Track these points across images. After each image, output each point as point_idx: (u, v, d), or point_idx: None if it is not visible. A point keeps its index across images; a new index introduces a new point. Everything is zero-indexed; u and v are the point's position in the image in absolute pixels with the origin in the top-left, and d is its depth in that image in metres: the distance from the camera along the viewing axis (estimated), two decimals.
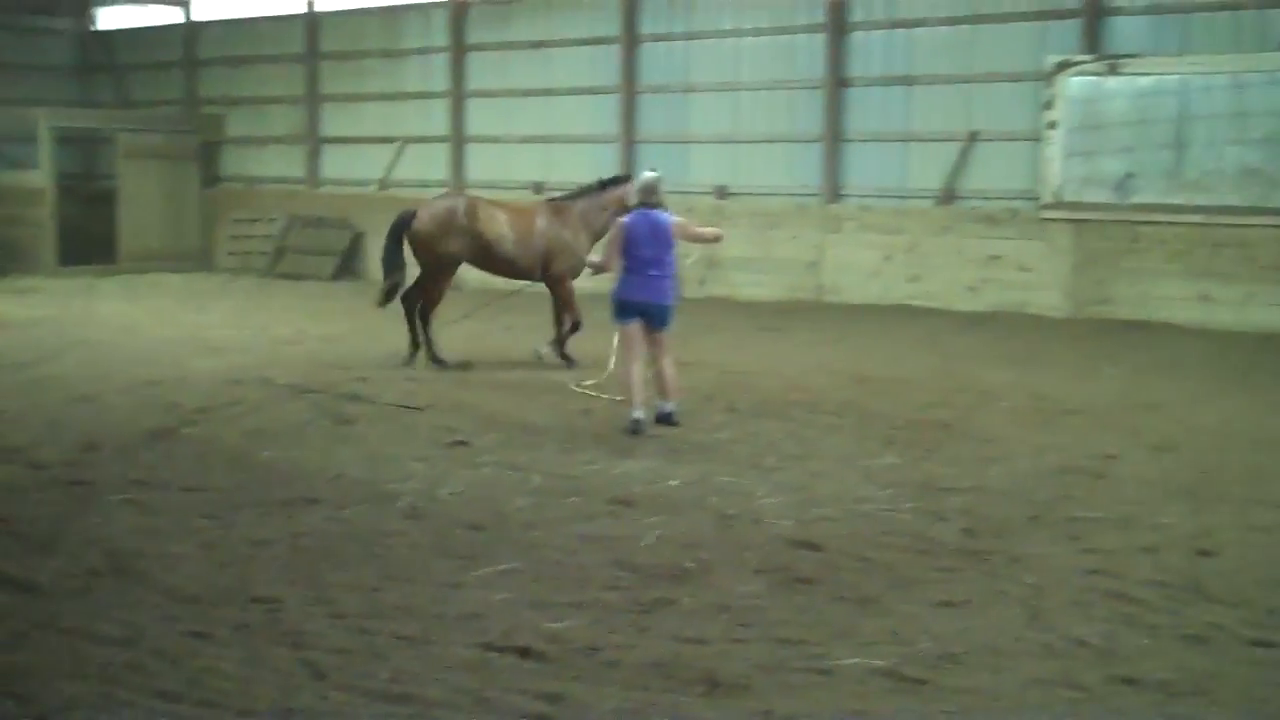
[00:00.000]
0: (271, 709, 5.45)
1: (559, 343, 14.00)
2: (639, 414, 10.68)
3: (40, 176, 25.22)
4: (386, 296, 14.38)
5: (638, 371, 10.85)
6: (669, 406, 10.96)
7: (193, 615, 6.55)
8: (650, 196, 10.91)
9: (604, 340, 12.55)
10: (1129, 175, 17.11)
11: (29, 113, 25.74)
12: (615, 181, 14.17)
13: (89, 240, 25.43)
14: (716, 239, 12.13)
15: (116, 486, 8.97)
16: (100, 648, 6.12)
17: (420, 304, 14.20)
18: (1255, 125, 16.85)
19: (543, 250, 13.94)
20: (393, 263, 14.22)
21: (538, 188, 22.61)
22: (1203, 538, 7.83)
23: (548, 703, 5.50)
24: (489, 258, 14.06)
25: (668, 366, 10.97)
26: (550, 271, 14.03)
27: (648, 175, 11.14)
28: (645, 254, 10.74)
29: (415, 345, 14.14)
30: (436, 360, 13.98)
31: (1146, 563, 7.36)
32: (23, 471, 9.46)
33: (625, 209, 13.29)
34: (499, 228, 13.94)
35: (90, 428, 10.83)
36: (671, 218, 10.93)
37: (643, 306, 10.81)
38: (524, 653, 6.04)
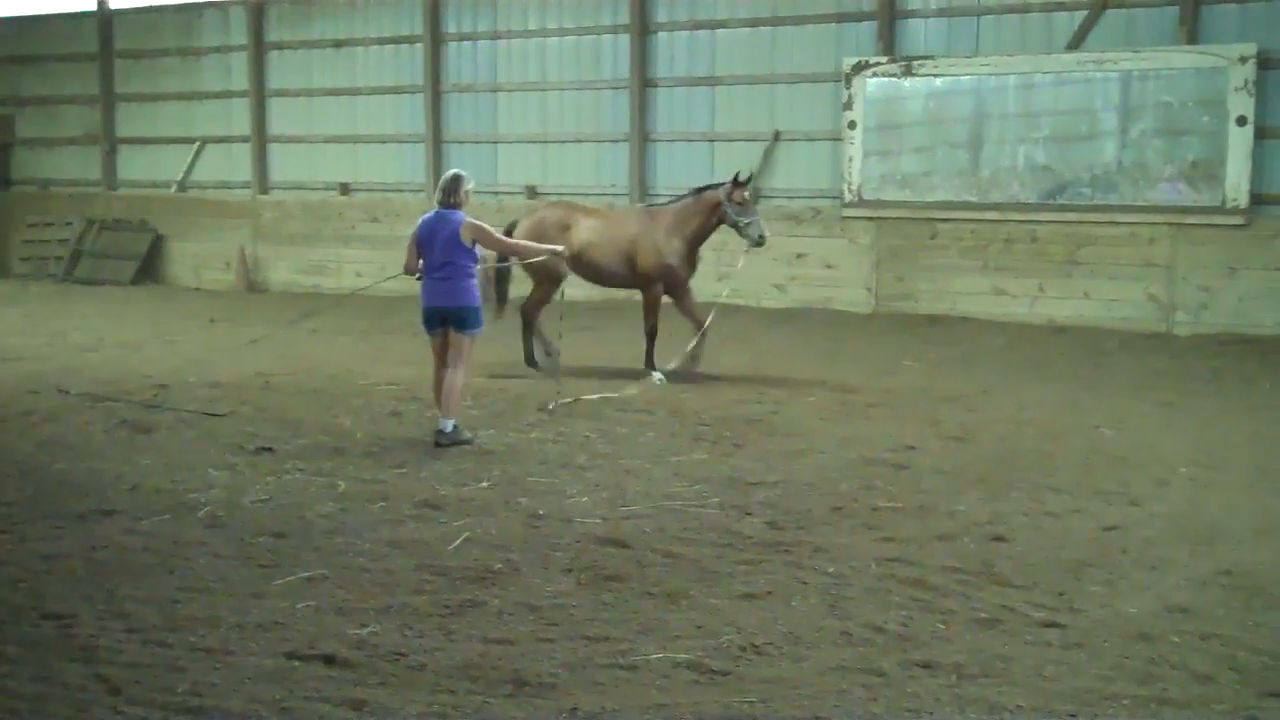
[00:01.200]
0: None
1: (691, 357, 13.45)
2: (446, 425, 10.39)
3: None
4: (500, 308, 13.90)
5: (444, 380, 10.50)
6: (446, 425, 10.32)
7: None
8: (446, 196, 10.45)
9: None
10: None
11: None
12: (711, 187, 13.80)
13: None
14: (536, 255, 11.86)
15: None
16: None
17: (523, 307, 13.99)
18: (1044, 124, 17.50)
19: (632, 256, 13.64)
20: (498, 289, 13.89)
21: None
22: (996, 524, 8.10)
23: (352, 709, 5.45)
24: (580, 265, 13.71)
25: (454, 378, 10.37)
26: (640, 276, 13.72)
27: (446, 174, 10.81)
28: (436, 257, 10.32)
29: (532, 361, 13.91)
30: (531, 361, 13.87)
31: (942, 550, 7.59)
32: None
33: (720, 212, 13.35)
34: (588, 234, 13.64)
35: None
36: (463, 218, 10.38)
37: (440, 311, 10.42)
38: (328, 660, 5.96)
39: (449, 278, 10.34)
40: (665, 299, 13.69)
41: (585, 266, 13.78)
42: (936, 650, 6.04)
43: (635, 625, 6.36)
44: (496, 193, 21.17)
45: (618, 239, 13.70)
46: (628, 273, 13.75)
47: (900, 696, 5.55)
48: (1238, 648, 6.09)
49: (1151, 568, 7.26)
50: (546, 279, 13.77)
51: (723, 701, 5.50)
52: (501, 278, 13.72)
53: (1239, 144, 16.03)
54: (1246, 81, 15.87)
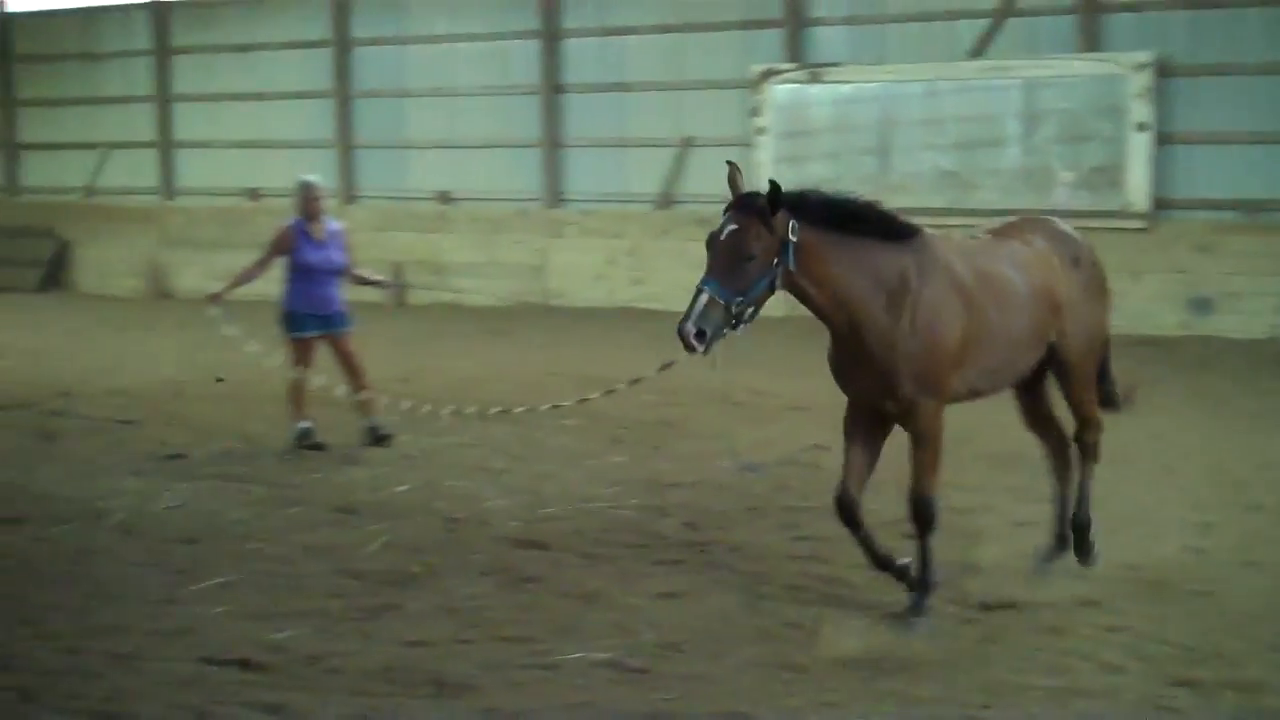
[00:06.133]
0: None
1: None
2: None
3: None
4: None
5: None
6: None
7: None
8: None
9: None
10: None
11: None
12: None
13: None
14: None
15: None
16: None
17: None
18: (949, 131, 17.76)
19: None
20: None
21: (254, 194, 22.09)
22: (904, 522, 8.21)
23: (269, 713, 5.44)
24: None
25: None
26: None
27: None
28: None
29: None
30: None
31: (854, 548, 7.68)
32: None
33: None
34: None
35: None
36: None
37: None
38: (244, 664, 5.95)
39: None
40: None
41: None
42: (850, 645, 6.13)
43: (553, 625, 6.39)
44: (408, 198, 21.08)
45: None
46: None
47: (817, 690, 5.63)
48: (1146, 639, 6.24)
49: (1060, 562, 7.41)
50: None
51: (642, 699, 5.56)
52: None
53: (1138, 149, 16.37)
54: (1146, 89, 16.23)
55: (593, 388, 12.73)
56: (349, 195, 21.86)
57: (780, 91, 18.36)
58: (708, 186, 19.34)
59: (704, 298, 5.94)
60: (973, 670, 5.85)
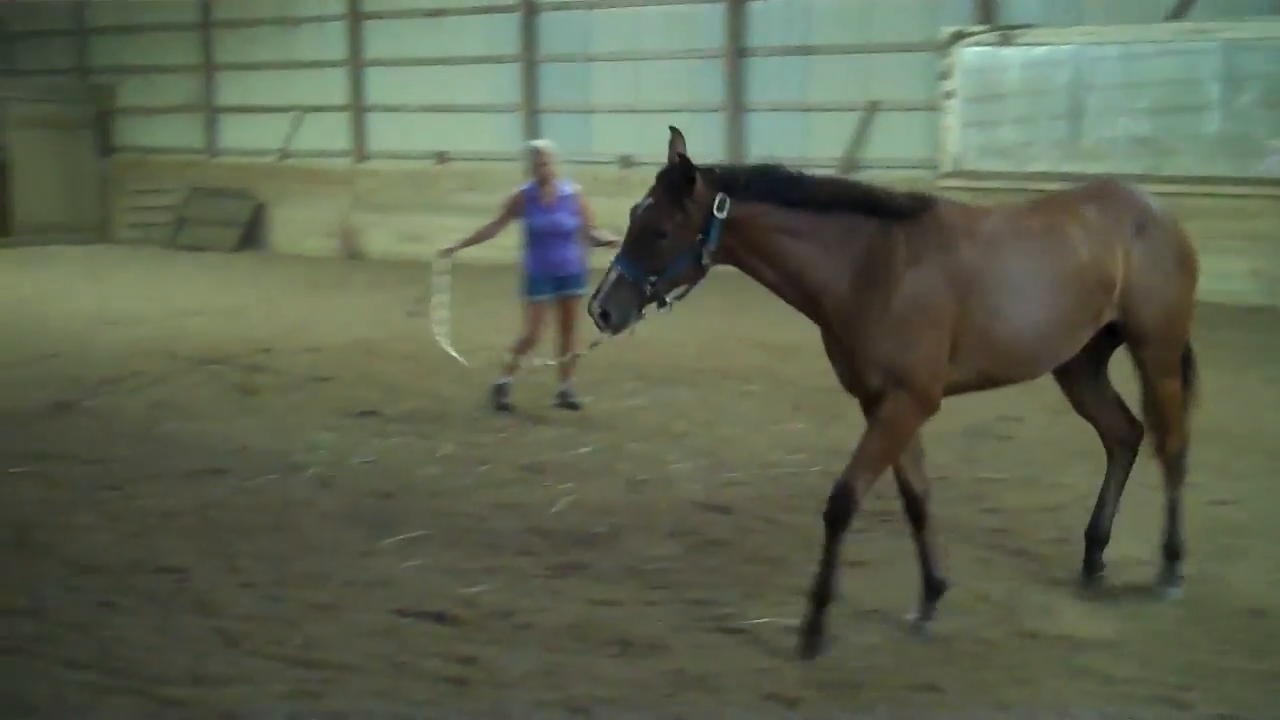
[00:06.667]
0: (183, 675, 5.43)
1: None
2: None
3: None
4: None
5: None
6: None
7: (100, 586, 6.50)
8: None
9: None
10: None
11: None
12: None
13: None
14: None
15: (18, 459, 8.83)
16: (7, 619, 6.04)
17: None
18: (1145, 95, 17.18)
19: None
20: None
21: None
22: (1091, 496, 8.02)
23: (462, 665, 5.55)
24: None
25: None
26: None
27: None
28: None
29: None
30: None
31: (1048, 520, 7.53)
32: None
33: None
34: None
35: None
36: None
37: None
38: (438, 618, 6.07)
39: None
40: None
41: None
42: (1041, 621, 6.01)
43: (739, 590, 6.39)
44: (591, 163, 21.18)
45: None
46: None
47: (1009, 666, 5.54)
48: None
49: (1268, 542, 7.15)
50: None
51: (831, 666, 5.52)
52: None
53: None
54: None
55: (775, 356, 12.73)
56: None
57: (970, 54, 17.95)
58: (893, 151, 19.12)
59: (613, 275, 5.56)
60: (1173, 651, 5.69)
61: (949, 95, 18.18)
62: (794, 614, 6.03)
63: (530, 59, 22.16)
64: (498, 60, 22.57)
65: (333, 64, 24.43)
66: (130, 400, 10.74)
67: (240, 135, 25.90)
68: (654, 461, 8.87)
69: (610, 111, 21.61)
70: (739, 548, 7.06)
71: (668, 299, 5.64)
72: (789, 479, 8.42)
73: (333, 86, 24.48)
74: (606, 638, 5.84)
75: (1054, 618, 6.04)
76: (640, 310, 5.62)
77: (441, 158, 23.11)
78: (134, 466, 8.76)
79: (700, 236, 5.54)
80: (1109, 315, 6.14)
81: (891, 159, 19.15)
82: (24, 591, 6.38)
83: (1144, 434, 6.57)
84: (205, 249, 24.04)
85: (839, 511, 5.60)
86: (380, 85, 24.08)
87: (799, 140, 19.82)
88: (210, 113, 26.20)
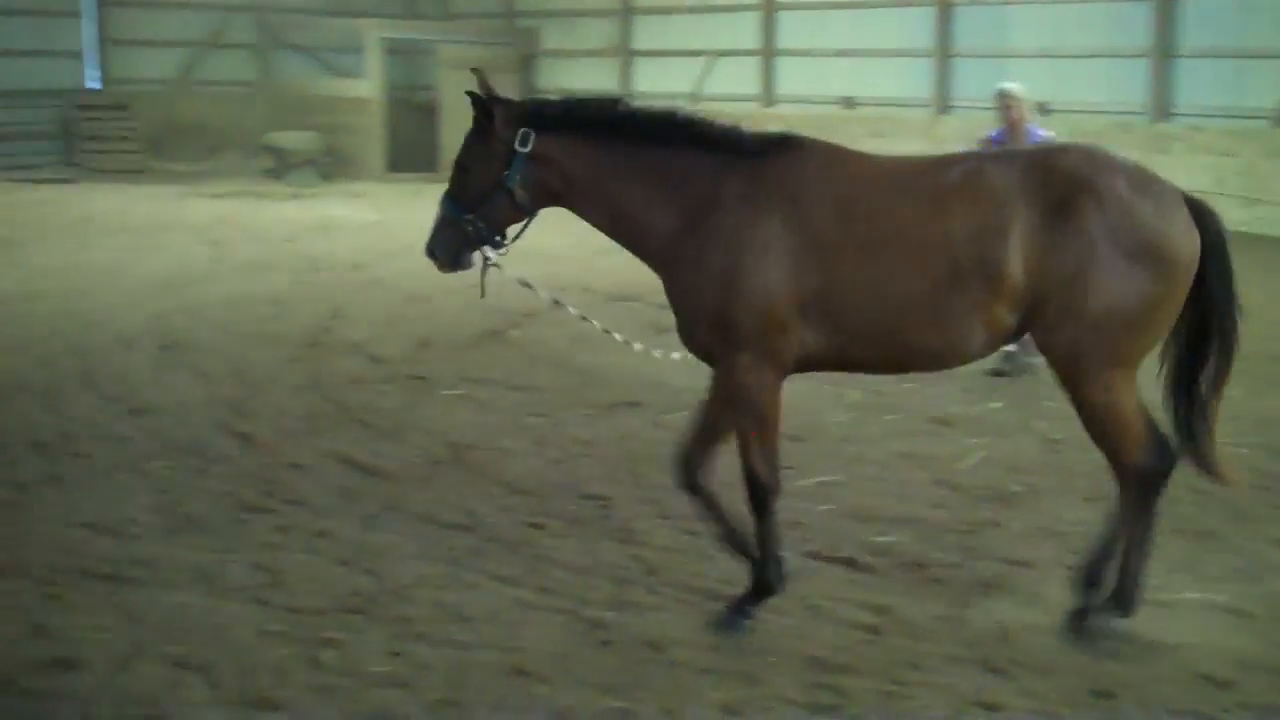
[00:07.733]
0: (608, 600, 5.66)
1: None
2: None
3: (369, 86, 26.19)
4: None
5: None
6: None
7: (528, 507, 6.86)
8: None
9: None
10: None
11: (359, 24, 26.78)
12: None
13: (412, 148, 26.33)
14: None
15: (451, 382, 9.43)
16: (444, 532, 6.48)
17: None
18: None
19: None
20: None
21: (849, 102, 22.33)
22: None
23: (875, 614, 5.55)
24: None
25: None
26: None
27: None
28: None
29: None
30: None
31: None
32: (365, 365, 10.03)
33: None
34: None
35: (423, 327, 11.37)
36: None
37: None
38: (850, 563, 6.10)
39: None
40: None
41: None
42: None
43: (1167, 562, 6.10)
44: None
45: None
46: None
47: None
48: None
49: None
50: None
51: (1263, 651, 5.23)
52: None
53: None
54: None
55: None
56: (943, 105, 21.66)
57: None
58: None
59: (438, 213, 5.53)
60: None
61: None
62: (1224, 591, 5.75)
63: (945, 2, 21.67)
64: (912, 4, 22.19)
65: (747, 8, 24.65)
66: (549, 332, 11.23)
67: (652, 79, 26.54)
68: (1071, 420, 8.51)
69: (1028, 56, 20.81)
70: (1166, 519, 6.70)
71: (498, 239, 5.58)
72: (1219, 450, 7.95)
73: (745, 31, 24.71)
74: (1021, 600, 5.72)
75: None
76: (469, 249, 5.57)
77: (848, 103, 22.97)
78: (555, 395, 9.19)
79: (506, 172, 5.38)
80: (1011, 319, 5.18)
81: None
82: (460, 508, 6.80)
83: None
84: None
85: (755, 495, 5.38)
86: (791, 29, 24.12)
87: (1232, 88, 18.61)
88: (626, 56, 26.95)
